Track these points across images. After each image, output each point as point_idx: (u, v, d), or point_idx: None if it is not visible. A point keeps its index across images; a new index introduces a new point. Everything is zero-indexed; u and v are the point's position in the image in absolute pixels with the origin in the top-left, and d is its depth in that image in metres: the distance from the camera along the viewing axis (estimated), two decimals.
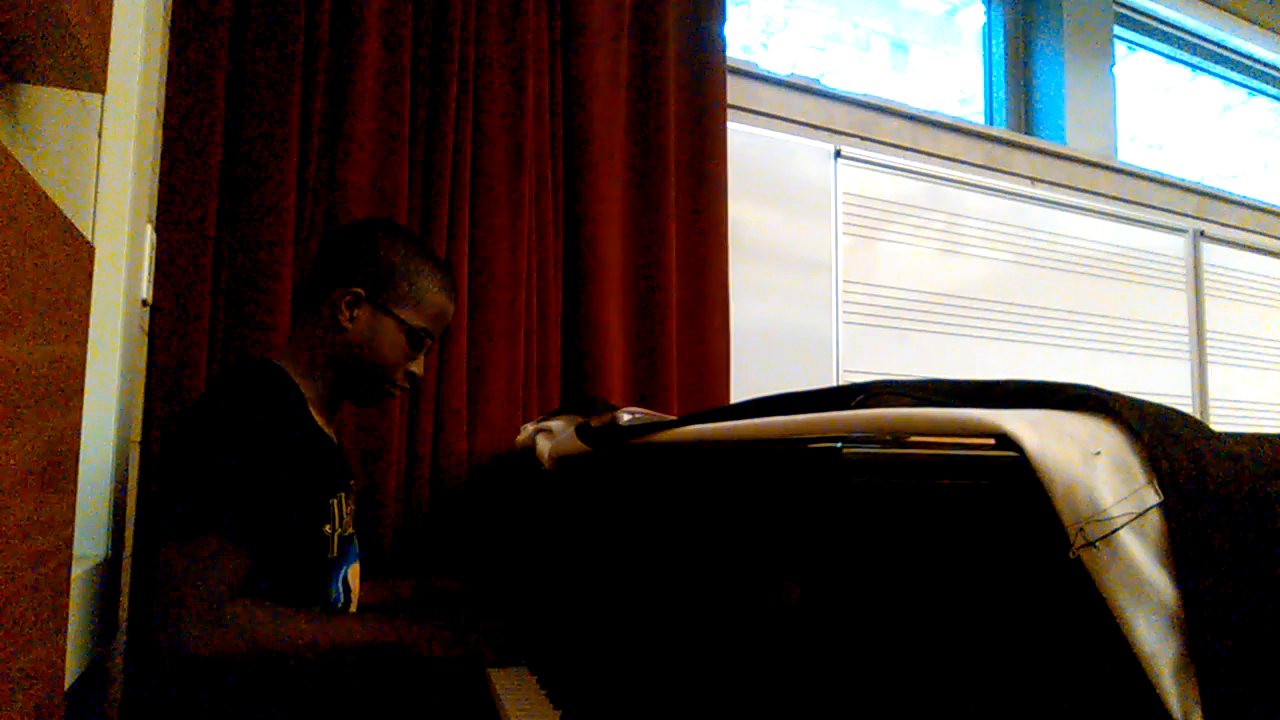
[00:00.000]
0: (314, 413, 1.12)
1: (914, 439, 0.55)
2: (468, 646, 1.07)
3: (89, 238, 0.73)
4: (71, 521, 0.62)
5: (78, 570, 0.87)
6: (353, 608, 1.15)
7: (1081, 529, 0.50)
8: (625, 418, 1.04)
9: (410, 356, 1.18)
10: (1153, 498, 0.52)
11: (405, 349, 1.17)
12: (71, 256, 0.58)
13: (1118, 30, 3.07)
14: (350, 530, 1.15)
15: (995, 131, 2.68)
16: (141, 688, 1.02)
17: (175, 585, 0.89)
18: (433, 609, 1.33)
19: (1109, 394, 0.59)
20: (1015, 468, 0.52)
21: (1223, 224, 3.07)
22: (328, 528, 1.07)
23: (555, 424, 1.28)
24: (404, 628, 1.02)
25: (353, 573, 1.16)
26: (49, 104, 0.75)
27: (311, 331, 1.14)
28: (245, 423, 0.99)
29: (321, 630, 0.97)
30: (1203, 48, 3.41)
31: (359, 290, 1.13)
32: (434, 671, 1.07)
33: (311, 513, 1.05)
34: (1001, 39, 2.96)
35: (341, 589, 1.11)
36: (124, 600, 1.21)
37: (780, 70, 2.28)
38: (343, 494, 1.13)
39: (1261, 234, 3.19)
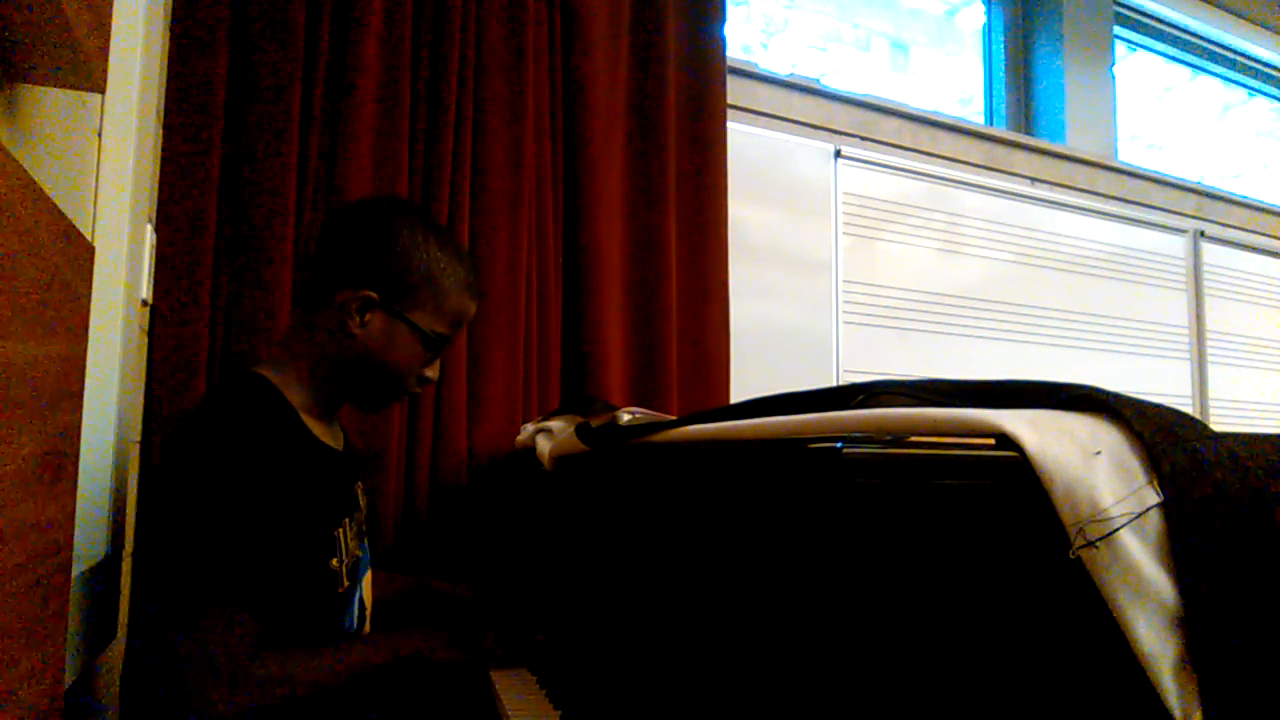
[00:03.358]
0: (312, 423, 1.03)
1: (914, 439, 0.56)
2: (480, 649, 1.07)
3: (89, 238, 0.73)
4: (71, 521, 0.62)
5: (78, 570, 0.87)
6: (367, 624, 1.12)
7: (1081, 529, 0.50)
8: (625, 418, 1.04)
9: (426, 362, 1.08)
10: (1153, 498, 0.52)
11: (421, 355, 1.06)
12: (71, 256, 0.58)
13: (1118, 30, 3.07)
14: (359, 553, 1.09)
15: (995, 131, 2.67)
16: (139, 698, 1.00)
17: (195, 657, 0.85)
18: (436, 613, 1.32)
19: (1109, 394, 0.59)
20: (1015, 468, 0.52)
21: (1223, 224, 3.07)
22: (334, 562, 1.00)
23: (555, 424, 1.28)
24: (417, 639, 1.01)
25: (365, 586, 1.11)
26: (49, 104, 0.75)
27: (314, 334, 1.03)
28: (240, 471, 0.90)
29: (340, 663, 0.95)
30: (1203, 48, 3.41)
31: (372, 294, 1.01)
32: (446, 675, 1.05)
33: (317, 551, 0.98)
34: (1001, 39, 2.96)
35: (356, 613, 1.06)
36: (124, 600, 1.21)
37: (780, 70, 2.28)
38: (347, 519, 1.05)
39: (1261, 234, 3.19)
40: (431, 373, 1.10)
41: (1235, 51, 3.47)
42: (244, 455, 0.91)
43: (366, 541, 1.15)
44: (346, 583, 1.03)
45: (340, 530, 1.02)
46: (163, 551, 0.93)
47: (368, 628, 1.13)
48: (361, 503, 1.14)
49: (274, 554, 0.90)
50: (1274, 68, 3.60)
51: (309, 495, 0.97)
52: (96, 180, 1.02)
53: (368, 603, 1.13)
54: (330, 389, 1.05)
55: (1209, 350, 2.88)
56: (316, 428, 1.04)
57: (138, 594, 1.25)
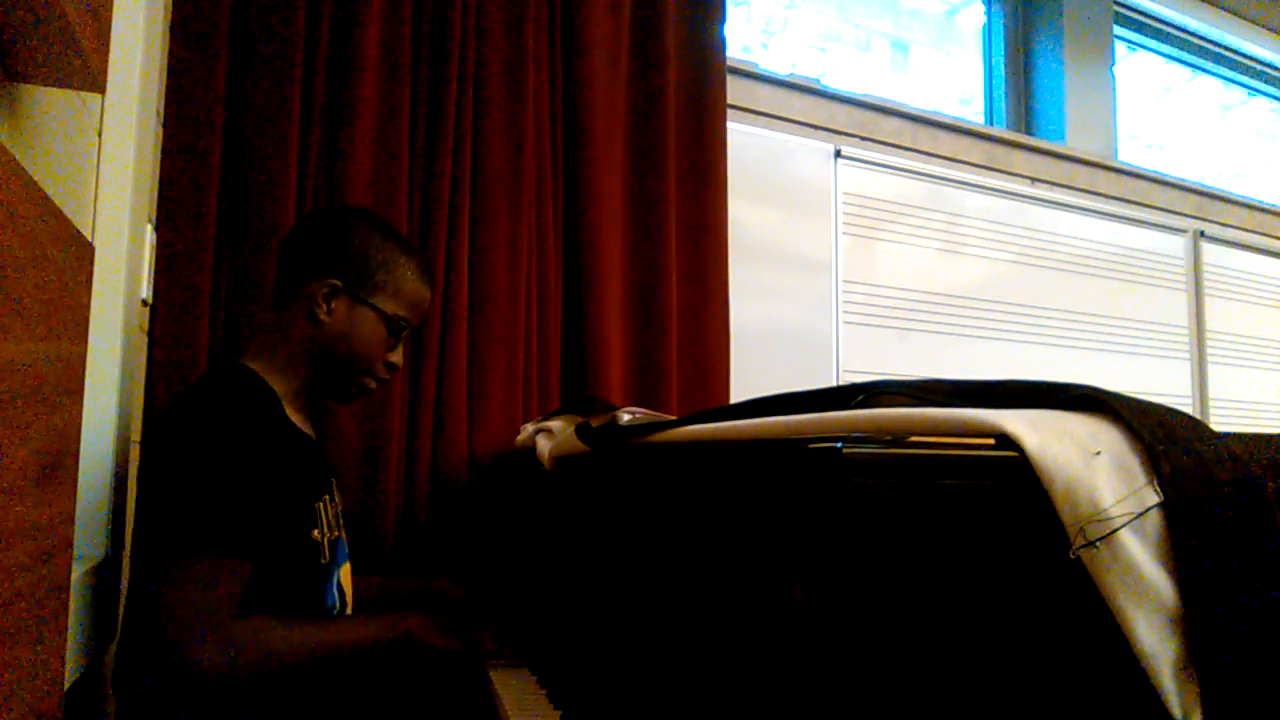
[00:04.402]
0: (291, 412, 1.10)
1: (914, 439, 0.55)
2: (471, 639, 1.08)
3: (89, 238, 0.73)
4: (71, 521, 0.62)
5: (78, 570, 0.87)
6: (348, 609, 1.14)
7: (1082, 529, 0.50)
8: (625, 418, 1.04)
9: (390, 346, 1.16)
10: (1153, 498, 0.52)
11: (385, 339, 1.15)
12: (71, 256, 0.58)
13: (1118, 30, 3.07)
14: (338, 534, 1.13)
15: (995, 131, 2.68)
16: (135, 698, 1.00)
17: (182, 608, 0.87)
18: (433, 609, 1.32)
19: (1109, 394, 0.59)
20: (1015, 468, 0.52)
21: (1223, 224, 3.07)
22: (316, 533, 1.05)
23: (555, 424, 1.28)
24: (408, 620, 1.03)
25: (344, 574, 1.14)
26: (49, 104, 0.75)
27: (286, 327, 1.12)
28: (226, 435, 0.96)
29: (328, 635, 0.97)
30: (1203, 48, 3.41)
31: (335, 282, 1.10)
32: (437, 663, 1.07)
33: (299, 520, 1.03)
34: (1001, 39, 2.96)
35: (336, 594, 1.10)
36: (123, 600, 1.21)
37: (780, 70, 2.28)
38: (326, 496, 1.11)
39: (1261, 234, 3.19)
40: (396, 358, 1.18)
41: (1235, 51, 3.47)
42: (228, 424, 0.97)
43: (344, 534, 1.18)
44: (328, 555, 1.06)
45: (320, 505, 1.08)
46: (160, 508, 0.96)
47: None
48: (338, 498, 1.19)
49: (256, 511, 0.94)
50: (1274, 68, 3.60)
51: (289, 468, 1.03)
52: (96, 180, 1.02)
53: (348, 591, 1.15)
54: (305, 379, 1.13)
55: (1209, 350, 2.88)
56: (295, 418, 1.12)
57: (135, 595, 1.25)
